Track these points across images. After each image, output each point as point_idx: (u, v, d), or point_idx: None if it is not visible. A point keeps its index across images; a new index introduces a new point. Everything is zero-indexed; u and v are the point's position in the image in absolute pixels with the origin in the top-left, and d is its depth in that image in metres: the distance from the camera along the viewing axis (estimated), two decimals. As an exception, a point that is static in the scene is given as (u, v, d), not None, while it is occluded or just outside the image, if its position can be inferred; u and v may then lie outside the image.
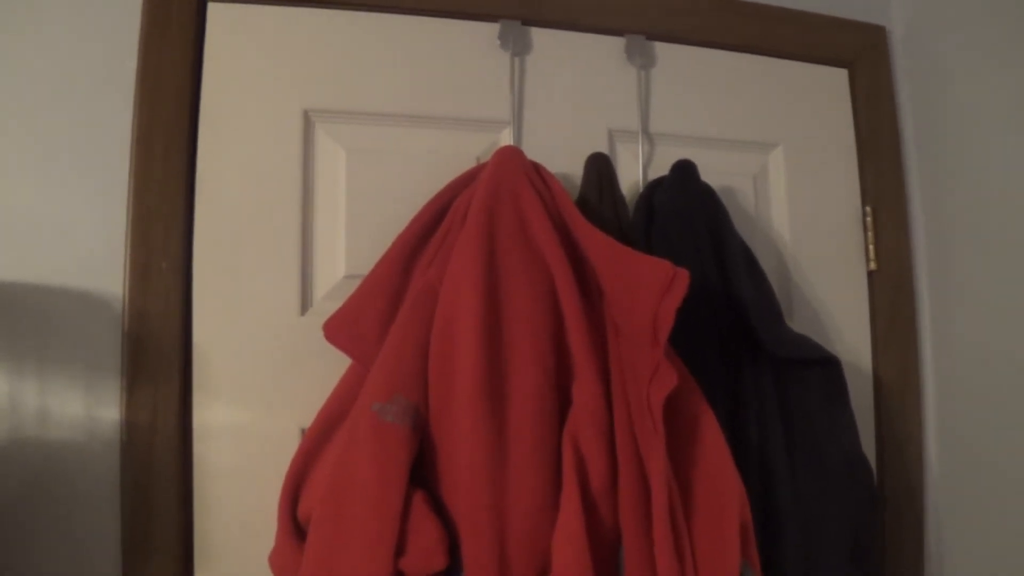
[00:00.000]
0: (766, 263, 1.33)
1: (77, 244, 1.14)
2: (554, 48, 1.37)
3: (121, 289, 1.14)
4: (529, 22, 1.36)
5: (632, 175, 1.37)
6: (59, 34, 1.17)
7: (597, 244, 1.09)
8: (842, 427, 1.20)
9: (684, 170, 1.28)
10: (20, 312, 1.10)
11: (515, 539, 0.96)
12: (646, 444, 0.98)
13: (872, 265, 1.48)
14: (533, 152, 1.22)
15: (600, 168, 1.27)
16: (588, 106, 1.37)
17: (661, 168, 1.33)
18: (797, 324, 1.41)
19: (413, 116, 1.29)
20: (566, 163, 1.31)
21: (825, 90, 1.53)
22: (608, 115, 1.38)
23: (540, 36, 1.37)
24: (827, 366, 1.21)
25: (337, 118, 1.26)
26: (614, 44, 1.40)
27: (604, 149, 1.34)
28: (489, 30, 1.33)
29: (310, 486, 1.06)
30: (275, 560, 1.08)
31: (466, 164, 1.27)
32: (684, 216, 1.23)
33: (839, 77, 1.55)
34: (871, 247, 1.49)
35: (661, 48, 1.43)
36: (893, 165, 1.53)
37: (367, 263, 1.17)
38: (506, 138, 1.32)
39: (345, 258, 1.24)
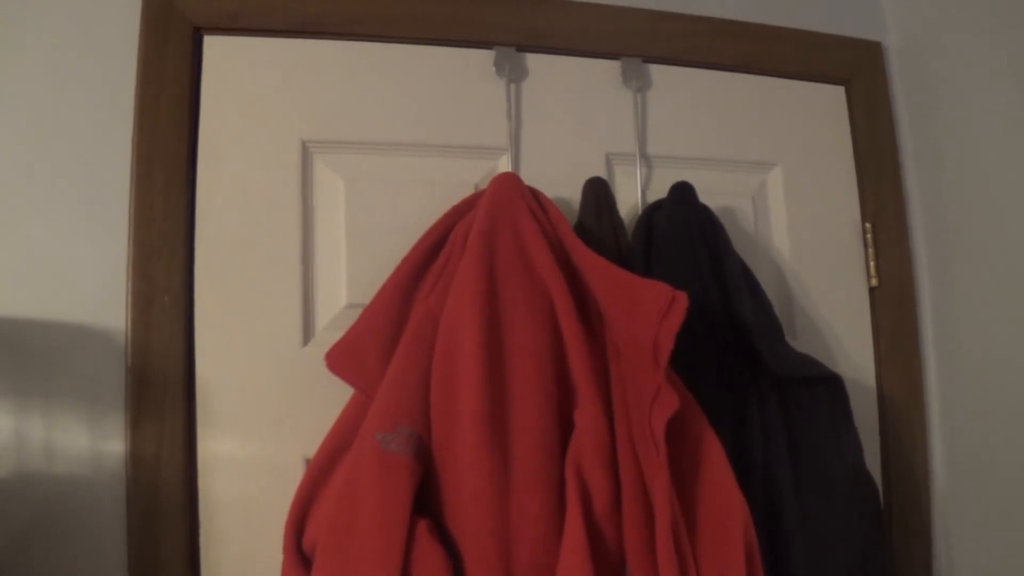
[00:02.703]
0: (767, 282, 1.33)
1: (79, 280, 1.15)
2: (549, 73, 1.38)
3: (124, 324, 1.15)
4: (524, 48, 1.36)
5: (631, 198, 1.37)
6: (57, 72, 1.18)
7: (596, 268, 1.09)
8: (846, 444, 1.19)
9: (682, 192, 1.28)
10: (25, 348, 1.11)
11: (520, 565, 0.97)
12: (649, 467, 0.98)
13: (873, 281, 1.48)
14: (531, 178, 1.23)
15: (598, 192, 1.27)
16: (585, 130, 1.38)
17: (659, 190, 1.33)
18: (800, 343, 1.40)
19: (411, 145, 1.30)
20: (564, 188, 1.31)
21: (822, 107, 1.54)
22: (605, 139, 1.38)
23: (535, 62, 1.37)
24: (830, 384, 1.20)
25: (335, 148, 1.27)
26: (609, 67, 1.40)
27: (602, 173, 1.34)
28: (484, 57, 1.34)
29: (315, 516, 1.06)
30: (281, 591, 1.08)
31: (465, 191, 1.27)
32: (683, 238, 1.24)
33: (836, 94, 1.55)
34: (872, 263, 1.48)
35: (657, 70, 1.43)
36: (892, 181, 1.53)
37: (368, 292, 1.17)
38: (504, 164, 1.33)
39: (346, 287, 1.24)
